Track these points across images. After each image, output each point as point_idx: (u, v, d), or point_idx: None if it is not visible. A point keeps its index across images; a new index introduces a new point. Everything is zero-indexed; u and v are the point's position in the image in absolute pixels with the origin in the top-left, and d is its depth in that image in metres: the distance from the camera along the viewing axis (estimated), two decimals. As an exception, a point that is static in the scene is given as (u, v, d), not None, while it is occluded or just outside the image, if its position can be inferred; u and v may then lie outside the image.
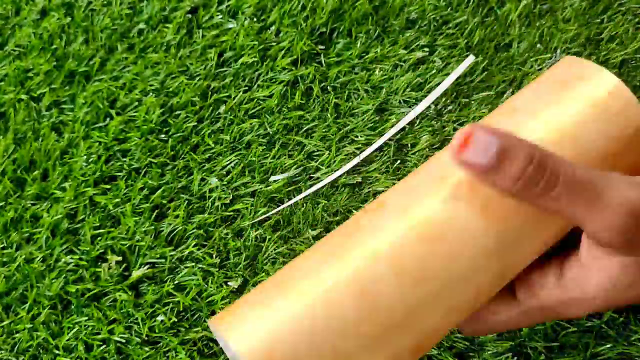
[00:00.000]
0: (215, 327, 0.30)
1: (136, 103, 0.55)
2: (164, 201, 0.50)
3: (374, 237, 0.29)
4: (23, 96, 0.57)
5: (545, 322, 0.35)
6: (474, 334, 0.34)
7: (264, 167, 0.51)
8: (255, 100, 0.53)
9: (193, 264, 0.48)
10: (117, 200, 0.51)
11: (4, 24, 0.62)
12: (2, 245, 0.51)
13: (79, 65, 0.58)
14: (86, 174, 0.52)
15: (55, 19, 0.60)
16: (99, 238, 0.50)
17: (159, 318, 0.46)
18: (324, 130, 0.51)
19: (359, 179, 0.49)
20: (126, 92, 0.56)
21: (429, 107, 0.51)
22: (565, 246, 0.33)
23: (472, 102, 0.50)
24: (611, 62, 0.49)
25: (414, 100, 0.51)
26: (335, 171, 0.49)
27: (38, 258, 0.49)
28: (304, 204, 0.49)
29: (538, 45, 0.51)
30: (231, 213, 0.49)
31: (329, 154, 0.50)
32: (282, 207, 0.49)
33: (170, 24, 0.58)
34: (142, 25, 0.59)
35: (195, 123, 0.53)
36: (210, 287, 0.47)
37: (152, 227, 0.49)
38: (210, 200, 0.50)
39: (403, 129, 0.50)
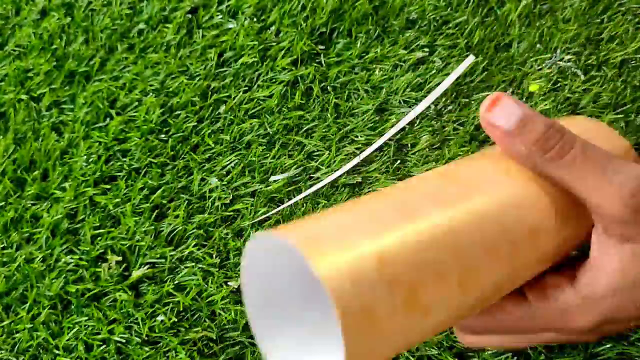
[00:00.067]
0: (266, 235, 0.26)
1: (136, 103, 0.55)
2: (164, 201, 0.50)
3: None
4: (23, 96, 0.57)
5: (547, 339, 0.34)
6: (475, 331, 0.34)
7: (264, 167, 0.51)
8: (255, 100, 0.53)
9: (193, 264, 0.48)
10: (117, 200, 0.51)
11: (4, 24, 0.62)
12: (2, 245, 0.51)
13: (79, 65, 0.58)
14: (86, 174, 0.52)
15: (55, 19, 0.60)
16: (99, 238, 0.50)
17: (159, 318, 0.46)
18: (324, 130, 0.51)
19: (359, 179, 0.49)
20: (126, 92, 0.56)
21: (429, 107, 0.51)
22: (576, 261, 0.33)
23: (472, 102, 0.50)
24: (611, 62, 0.49)
25: (414, 100, 0.51)
26: (335, 171, 0.49)
27: (38, 258, 0.49)
28: (304, 204, 0.49)
29: (538, 45, 0.51)
30: (231, 213, 0.49)
31: (329, 154, 0.50)
32: (282, 207, 0.49)
33: (170, 24, 0.58)
34: (142, 25, 0.59)
35: (195, 123, 0.53)
36: (210, 287, 0.47)
37: (152, 227, 0.49)
38: (210, 200, 0.50)
39: (403, 129, 0.50)
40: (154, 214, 0.50)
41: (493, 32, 0.52)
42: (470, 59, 0.51)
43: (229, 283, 0.47)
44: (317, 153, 0.51)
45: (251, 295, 0.28)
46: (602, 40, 0.51)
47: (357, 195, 0.49)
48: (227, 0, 0.58)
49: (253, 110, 0.53)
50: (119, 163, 0.52)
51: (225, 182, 0.50)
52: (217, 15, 0.58)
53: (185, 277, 0.47)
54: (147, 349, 0.45)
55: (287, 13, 0.56)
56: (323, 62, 0.54)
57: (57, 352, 0.46)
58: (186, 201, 0.50)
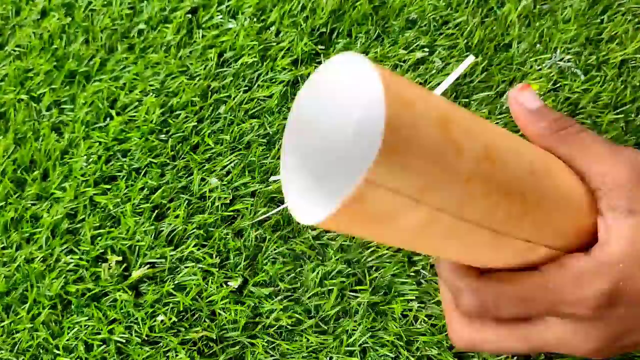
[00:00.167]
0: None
1: (136, 103, 0.55)
2: (164, 201, 0.50)
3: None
4: (23, 96, 0.57)
5: (550, 341, 0.33)
6: (483, 306, 0.33)
7: (264, 167, 0.51)
8: (255, 100, 0.53)
9: (193, 264, 0.48)
10: (117, 200, 0.51)
11: (4, 24, 0.62)
12: (2, 245, 0.51)
13: (79, 65, 0.58)
14: (86, 174, 0.52)
15: (56, 19, 0.60)
16: (99, 238, 0.50)
17: (159, 318, 0.46)
18: (324, 130, 0.51)
19: (359, 179, 0.49)
20: (126, 92, 0.56)
21: (429, 107, 0.51)
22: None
23: (472, 102, 0.50)
24: (611, 62, 0.49)
25: (414, 101, 0.51)
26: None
27: (38, 258, 0.49)
28: (304, 204, 0.49)
29: (538, 46, 0.51)
30: (231, 213, 0.49)
31: (329, 154, 0.50)
32: (282, 207, 0.49)
33: (170, 24, 0.58)
34: (142, 25, 0.59)
35: (195, 123, 0.53)
36: (210, 287, 0.47)
37: (152, 227, 0.49)
38: (210, 200, 0.50)
39: (403, 129, 0.50)
40: (154, 214, 0.50)
41: (493, 32, 0.53)
42: (470, 59, 0.51)
43: (229, 283, 0.47)
44: (317, 153, 0.51)
45: (290, 136, 0.28)
46: (602, 40, 0.51)
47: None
48: (227, 0, 0.58)
49: (253, 110, 0.53)
50: (119, 163, 0.52)
51: (225, 182, 0.50)
52: (217, 16, 0.58)
53: (185, 277, 0.47)
54: (147, 349, 0.45)
55: (287, 13, 0.56)
56: (323, 62, 0.54)
57: (57, 352, 0.46)
58: (186, 201, 0.50)
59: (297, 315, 0.45)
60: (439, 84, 0.51)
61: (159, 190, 0.51)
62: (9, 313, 0.48)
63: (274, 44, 0.55)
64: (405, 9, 0.55)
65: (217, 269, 0.47)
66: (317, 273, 0.46)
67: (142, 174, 0.52)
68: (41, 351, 0.46)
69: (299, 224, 0.48)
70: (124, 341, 0.46)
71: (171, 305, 0.47)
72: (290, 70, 0.54)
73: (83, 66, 0.58)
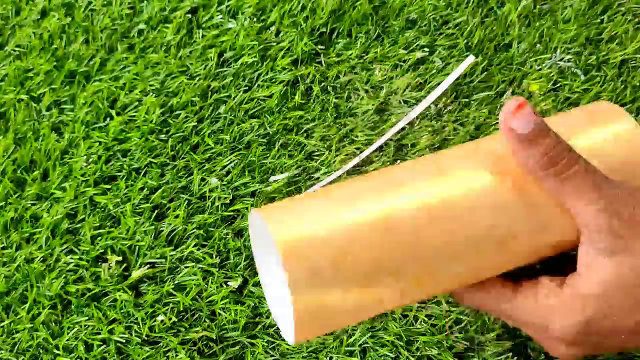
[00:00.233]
0: (257, 214, 0.31)
1: (136, 103, 0.55)
2: (164, 201, 0.50)
3: (415, 187, 0.31)
4: (23, 96, 0.57)
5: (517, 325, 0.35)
6: (465, 300, 0.35)
7: (264, 167, 0.51)
8: (255, 100, 0.53)
9: (193, 264, 0.48)
10: (117, 200, 0.51)
11: (4, 24, 0.62)
12: (2, 245, 0.51)
13: (79, 65, 0.58)
14: (86, 174, 0.52)
15: (56, 19, 0.60)
16: (99, 238, 0.50)
17: (159, 318, 0.46)
18: (324, 130, 0.51)
19: (359, 179, 0.49)
20: (126, 92, 0.56)
21: (429, 107, 0.51)
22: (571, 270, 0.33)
23: (472, 102, 0.50)
24: (611, 62, 0.50)
25: (414, 100, 0.51)
26: (335, 171, 0.49)
27: (38, 258, 0.49)
28: (304, 204, 0.49)
29: (538, 46, 0.51)
30: (231, 213, 0.49)
31: (329, 154, 0.50)
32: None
33: (170, 24, 0.58)
34: (142, 25, 0.59)
35: (195, 123, 0.53)
36: (210, 287, 0.47)
37: (152, 227, 0.49)
38: (210, 200, 0.50)
39: (403, 129, 0.50)
40: (154, 214, 0.50)
41: (493, 32, 0.53)
42: (470, 59, 0.51)
43: (229, 283, 0.47)
44: (317, 153, 0.51)
45: (255, 247, 0.35)
46: (602, 40, 0.51)
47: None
48: (227, 0, 0.58)
49: (253, 110, 0.53)
50: (119, 163, 0.52)
51: (225, 182, 0.50)
52: (217, 15, 0.58)
53: (185, 277, 0.47)
54: (147, 349, 0.45)
55: (287, 13, 0.56)
56: (323, 62, 0.54)
57: (57, 352, 0.46)
58: (186, 201, 0.50)
59: (297, 315, 0.45)
60: (439, 84, 0.51)
61: (159, 190, 0.51)
62: (9, 313, 0.48)
63: (274, 43, 0.55)
64: (405, 9, 0.55)
65: (217, 269, 0.47)
66: (317, 273, 0.46)
67: (142, 174, 0.52)
68: (41, 351, 0.46)
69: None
70: (124, 341, 0.46)
71: (171, 305, 0.47)
72: (290, 70, 0.54)
73: (83, 66, 0.58)
